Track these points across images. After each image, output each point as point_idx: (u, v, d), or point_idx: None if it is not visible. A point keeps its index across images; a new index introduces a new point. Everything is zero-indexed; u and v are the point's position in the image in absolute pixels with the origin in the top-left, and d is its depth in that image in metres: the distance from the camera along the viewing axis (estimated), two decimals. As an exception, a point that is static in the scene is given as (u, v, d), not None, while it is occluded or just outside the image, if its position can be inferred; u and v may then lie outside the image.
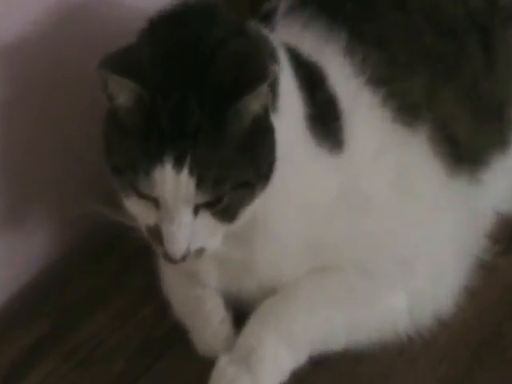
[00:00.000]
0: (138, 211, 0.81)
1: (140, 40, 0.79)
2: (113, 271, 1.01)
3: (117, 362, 0.92)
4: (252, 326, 0.88)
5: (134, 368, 0.90)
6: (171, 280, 0.95)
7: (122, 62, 0.75)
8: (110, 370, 0.91)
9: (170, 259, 0.80)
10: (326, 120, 0.87)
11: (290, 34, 0.89)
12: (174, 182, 0.76)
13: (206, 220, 0.80)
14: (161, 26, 0.80)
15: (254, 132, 0.78)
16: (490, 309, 0.93)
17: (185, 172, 0.75)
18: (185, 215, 0.78)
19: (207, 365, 0.85)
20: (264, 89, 0.75)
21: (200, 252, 0.81)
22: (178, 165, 0.75)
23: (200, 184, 0.76)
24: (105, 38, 0.89)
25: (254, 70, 0.75)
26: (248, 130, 0.78)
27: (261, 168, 0.79)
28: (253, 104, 0.76)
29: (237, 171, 0.77)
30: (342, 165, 0.87)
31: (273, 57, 0.80)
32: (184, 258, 0.80)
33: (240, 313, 0.91)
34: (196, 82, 0.75)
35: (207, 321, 0.91)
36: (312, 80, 0.88)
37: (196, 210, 0.78)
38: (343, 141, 0.87)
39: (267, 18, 0.93)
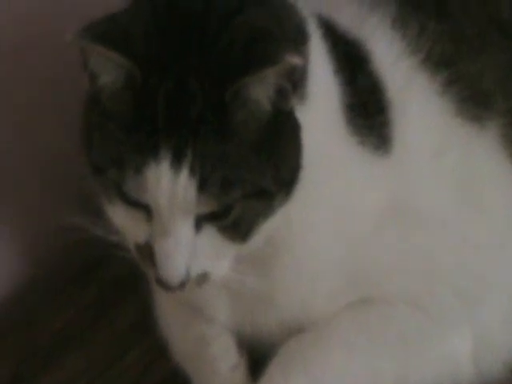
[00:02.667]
0: (124, 223, 0.71)
1: (132, 6, 0.70)
2: (93, 301, 0.92)
3: None
4: (272, 374, 0.78)
5: None
6: (169, 314, 0.85)
7: (108, 31, 0.66)
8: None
9: (164, 286, 0.70)
10: (369, 112, 0.76)
11: (324, 2, 0.78)
12: (170, 185, 0.66)
13: (211, 237, 0.69)
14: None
15: (273, 127, 0.68)
16: None
17: (185, 172, 0.65)
18: (184, 229, 0.68)
19: None
20: (271, 76, 0.66)
21: (203, 279, 0.71)
22: (177, 162, 0.66)
23: (203, 188, 0.66)
24: None
25: (262, 49, 0.67)
26: (264, 123, 0.68)
27: (282, 173, 0.69)
28: (256, 91, 0.67)
29: (250, 174, 0.67)
30: (389, 169, 0.76)
31: (300, 32, 0.71)
32: (182, 285, 0.70)
33: (256, 357, 0.81)
34: (199, 59, 0.66)
35: (215, 367, 0.81)
36: (352, 61, 0.77)
37: (198, 223, 0.68)
38: (391, 138, 0.76)
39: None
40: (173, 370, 0.83)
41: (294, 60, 0.66)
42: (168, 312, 0.85)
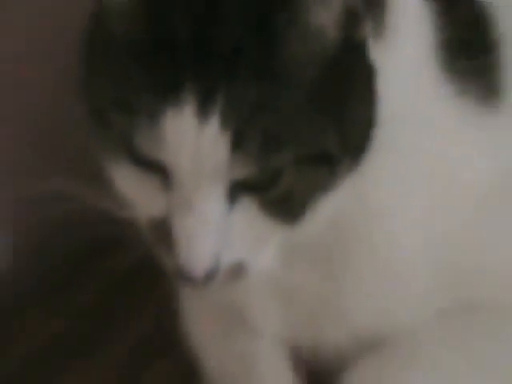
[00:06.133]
0: (134, 192, 0.57)
1: None
2: (94, 303, 0.78)
3: None
4: None
5: None
6: (200, 323, 0.71)
7: None
8: None
9: (186, 279, 0.56)
10: (473, 52, 0.63)
11: None
12: (195, 139, 0.53)
13: (249, 214, 0.56)
14: None
15: (339, 67, 0.55)
16: None
17: (214, 121, 0.52)
18: (212, 202, 0.55)
19: None
20: None
21: (238, 271, 0.58)
22: (204, 108, 0.52)
23: (239, 144, 0.53)
24: None
25: None
26: (328, 61, 0.55)
27: (349, 131, 0.56)
28: (317, 10, 0.54)
29: (305, 130, 0.54)
30: (499, 129, 0.62)
31: None
32: (210, 278, 0.56)
33: (318, 377, 0.67)
34: None
35: None
36: None
37: (232, 194, 0.55)
38: (501, 88, 0.63)
39: None
40: None
41: None
42: (200, 320, 0.71)
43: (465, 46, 0.64)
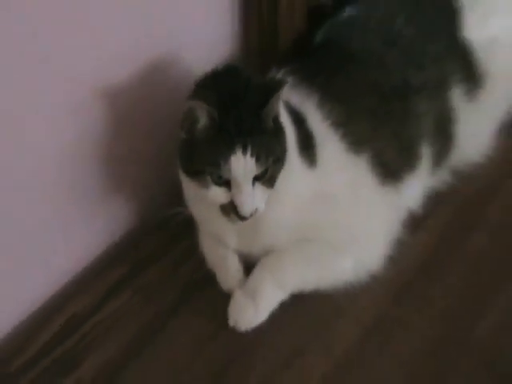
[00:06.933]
0: (216, 196, 1.00)
1: (198, 89, 1.02)
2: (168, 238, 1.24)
3: (170, 292, 1.14)
4: (256, 273, 1.10)
5: (185, 296, 1.15)
6: (207, 244, 1.17)
7: (201, 97, 0.98)
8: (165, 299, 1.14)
9: (241, 218, 1.01)
10: (307, 146, 1.09)
11: (286, 91, 1.04)
12: (243, 163, 0.97)
13: (259, 188, 1.00)
14: (209, 81, 1.03)
15: (276, 126, 1.01)
16: (406, 267, 1.16)
17: (248, 154, 0.97)
18: (249, 187, 0.99)
19: (227, 297, 1.10)
20: (278, 97, 0.98)
21: (255, 212, 1.01)
22: (244, 150, 0.97)
23: (257, 161, 0.97)
24: (174, 91, 1.15)
25: (272, 86, 0.99)
26: (273, 124, 1.00)
27: (282, 148, 1.01)
28: (274, 106, 0.99)
29: (274, 150, 0.99)
30: (315, 175, 1.09)
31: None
32: (251, 215, 1.00)
33: (248, 265, 1.15)
34: (242, 102, 0.98)
35: (228, 269, 1.13)
36: (298, 120, 1.10)
37: (253, 182, 0.99)
38: (317, 160, 1.09)
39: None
40: (208, 271, 1.12)
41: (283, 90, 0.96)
42: (206, 243, 1.16)
43: (304, 144, 1.07)
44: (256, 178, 0.99)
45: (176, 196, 1.13)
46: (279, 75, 1.09)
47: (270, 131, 0.99)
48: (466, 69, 1.24)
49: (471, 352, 1.06)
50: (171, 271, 1.21)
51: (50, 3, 0.98)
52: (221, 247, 1.15)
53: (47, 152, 1.08)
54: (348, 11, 1.29)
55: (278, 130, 1.01)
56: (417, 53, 1.21)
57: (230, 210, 1.00)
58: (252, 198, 0.99)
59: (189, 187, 1.07)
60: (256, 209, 0.99)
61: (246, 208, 0.99)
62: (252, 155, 0.96)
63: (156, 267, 1.21)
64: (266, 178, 1.00)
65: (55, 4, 0.99)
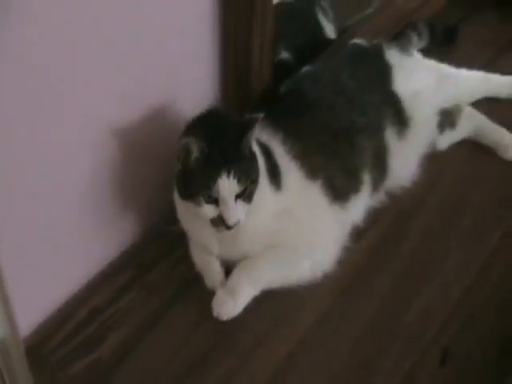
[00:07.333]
0: (207, 212, 1.17)
1: (190, 128, 1.20)
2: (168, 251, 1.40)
3: (168, 289, 1.30)
4: (235, 274, 1.26)
5: (179, 293, 1.30)
6: (195, 251, 1.35)
7: (193, 135, 1.15)
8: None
9: (228, 227, 1.17)
10: (274, 174, 1.28)
11: (258, 130, 1.22)
12: (228, 185, 1.14)
13: (240, 204, 1.17)
14: (198, 122, 1.21)
15: (250, 154, 1.19)
16: (350, 268, 1.34)
17: (231, 177, 1.15)
18: (233, 202, 1.17)
19: (211, 294, 1.25)
20: (254, 131, 1.15)
21: (238, 222, 1.18)
22: (228, 175, 1.14)
23: (239, 182, 1.15)
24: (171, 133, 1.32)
25: (247, 123, 1.16)
26: (248, 153, 1.18)
27: (256, 171, 1.19)
28: (250, 137, 1.16)
29: (250, 173, 1.17)
30: (281, 196, 1.28)
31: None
32: (235, 225, 1.17)
33: (228, 268, 1.32)
34: (225, 136, 1.16)
35: (212, 272, 1.31)
36: (266, 153, 1.27)
37: (236, 198, 1.16)
38: (282, 185, 1.29)
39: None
40: (197, 273, 1.29)
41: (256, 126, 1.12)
42: (195, 251, 1.33)
43: (272, 172, 1.25)
44: (237, 196, 1.17)
45: (171, 214, 1.32)
46: (252, 115, 1.22)
47: (247, 158, 1.18)
48: (396, 114, 1.44)
49: (400, 335, 1.28)
50: (169, 273, 1.39)
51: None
52: (206, 254, 1.34)
53: (72, 181, 1.25)
54: (306, 67, 1.50)
55: (253, 157, 1.19)
56: (359, 101, 1.41)
57: (219, 222, 1.18)
58: (235, 211, 1.16)
59: (181, 207, 1.26)
60: (238, 219, 1.17)
61: (231, 219, 1.17)
62: (234, 178, 1.15)
63: (157, 270, 1.40)
64: (246, 195, 1.17)
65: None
